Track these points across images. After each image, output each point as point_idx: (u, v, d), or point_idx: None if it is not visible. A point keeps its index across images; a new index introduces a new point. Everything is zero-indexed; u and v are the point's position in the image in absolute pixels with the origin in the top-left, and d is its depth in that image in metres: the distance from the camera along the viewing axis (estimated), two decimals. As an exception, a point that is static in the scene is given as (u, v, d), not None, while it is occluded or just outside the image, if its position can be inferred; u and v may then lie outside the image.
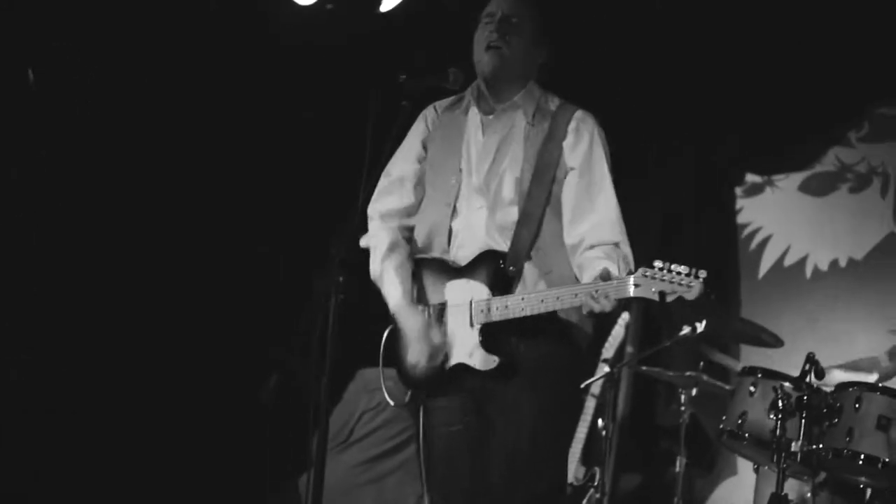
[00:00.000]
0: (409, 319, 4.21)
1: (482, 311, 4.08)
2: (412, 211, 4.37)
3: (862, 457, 5.01)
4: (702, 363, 6.37)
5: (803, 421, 5.10)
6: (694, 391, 6.29)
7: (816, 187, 7.33)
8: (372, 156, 3.94)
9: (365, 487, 5.71)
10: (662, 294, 3.73)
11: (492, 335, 4.09)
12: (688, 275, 3.73)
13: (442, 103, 4.41)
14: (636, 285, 3.77)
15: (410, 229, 4.38)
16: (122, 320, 6.51)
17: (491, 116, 4.28)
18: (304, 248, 6.04)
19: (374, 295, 4.26)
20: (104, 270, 6.48)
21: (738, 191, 7.51)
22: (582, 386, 6.08)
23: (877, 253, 7.13)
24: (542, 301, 3.98)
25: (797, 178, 7.37)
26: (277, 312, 6.01)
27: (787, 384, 5.17)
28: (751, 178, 7.49)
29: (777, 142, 7.33)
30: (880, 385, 5.23)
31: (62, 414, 6.31)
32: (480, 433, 4.14)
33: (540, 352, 4.12)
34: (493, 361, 4.07)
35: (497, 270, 4.11)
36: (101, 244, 6.46)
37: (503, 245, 4.15)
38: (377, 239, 4.36)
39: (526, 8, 4.24)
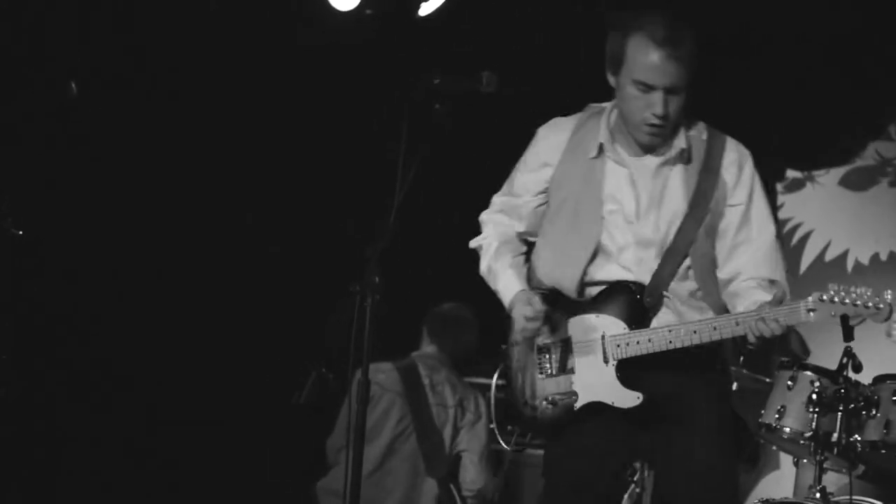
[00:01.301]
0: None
1: (618, 345, 3.85)
2: (531, 234, 4.17)
3: (900, 449, 5.05)
4: (741, 357, 6.38)
5: (840, 414, 5.14)
6: (735, 385, 6.30)
7: (856, 181, 7.34)
8: (406, 159, 3.97)
9: (379, 484, 5.75)
10: (845, 318, 3.61)
11: (631, 370, 3.85)
12: (875, 296, 3.61)
13: (566, 127, 4.11)
14: (811, 310, 3.63)
15: (528, 244, 4.21)
16: (150, 320, 6.60)
17: (632, 156, 3.98)
18: (336, 249, 6.14)
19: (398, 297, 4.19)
20: (133, 270, 6.57)
21: (780, 186, 7.52)
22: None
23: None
24: (696, 332, 3.76)
25: (837, 172, 7.38)
26: (311, 315, 6.06)
27: (824, 378, 5.20)
28: (791, 173, 7.50)
29: (817, 137, 7.35)
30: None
31: (90, 413, 6.40)
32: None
33: (695, 384, 3.93)
34: (635, 398, 3.83)
35: (633, 302, 3.88)
36: (123, 243, 6.55)
37: (643, 277, 3.90)
38: (490, 238, 4.18)
39: (687, 72, 3.83)
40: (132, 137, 6.61)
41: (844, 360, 5.16)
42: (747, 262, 3.91)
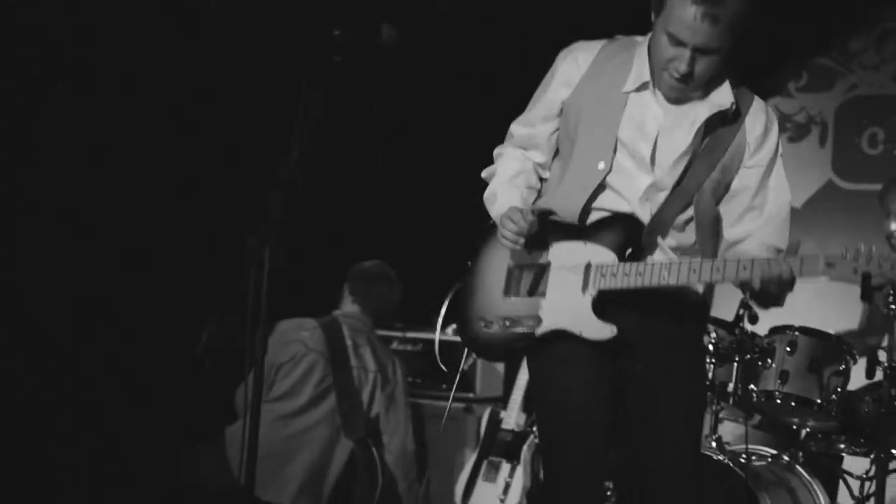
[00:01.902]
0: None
1: (603, 275, 3.64)
2: (545, 169, 3.97)
3: (795, 399, 5.14)
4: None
5: (737, 364, 5.23)
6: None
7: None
8: (306, 111, 3.94)
9: (293, 440, 5.75)
10: (867, 276, 3.39)
11: (609, 303, 3.66)
12: None
13: (590, 52, 3.86)
14: (829, 264, 3.41)
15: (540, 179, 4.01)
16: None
17: (669, 101, 3.75)
18: (236, 206, 6.10)
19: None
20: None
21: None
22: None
23: (816, 201, 7.26)
24: (695, 271, 3.55)
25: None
26: (210, 271, 6.04)
27: (721, 329, 5.28)
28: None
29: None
30: (813, 328, 5.32)
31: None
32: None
33: (677, 329, 3.77)
34: (609, 331, 3.62)
35: (630, 236, 3.68)
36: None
37: (644, 215, 3.71)
38: (505, 166, 3.97)
39: (726, 34, 3.58)
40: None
41: (741, 311, 5.24)
42: (759, 228, 3.77)
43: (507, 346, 3.82)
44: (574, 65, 3.86)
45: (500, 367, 6.89)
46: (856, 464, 5.41)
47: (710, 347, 5.17)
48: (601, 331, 3.63)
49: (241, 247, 3.78)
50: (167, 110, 6.68)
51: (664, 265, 3.58)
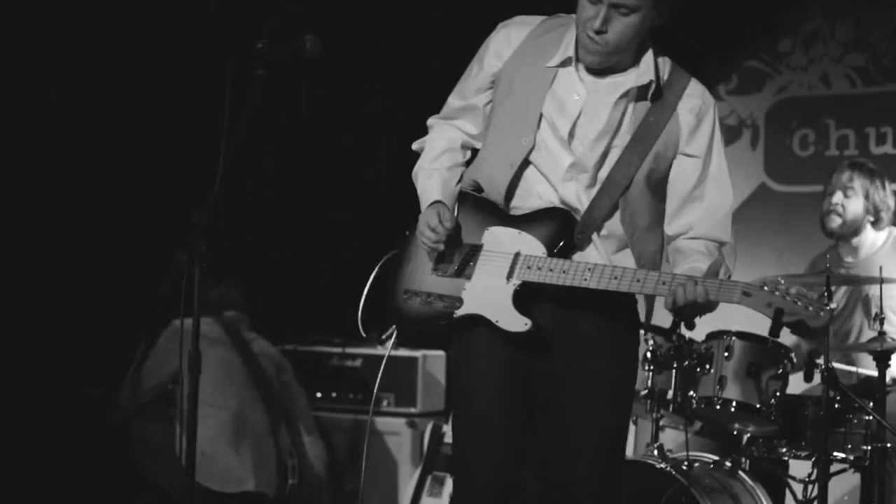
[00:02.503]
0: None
1: (529, 266, 3.58)
2: (477, 140, 3.88)
3: (734, 404, 5.12)
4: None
5: (675, 371, 5.21)
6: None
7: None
8: (229, 125, 3.87)
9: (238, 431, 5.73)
10: (780, 312, 3.34)
11: (529, 296, 3.59)
12: (817, 300, 3.35)
13: (525, 25, 3.79)
14: (746, 293, 3.36)
15: (469, 153, 3.93)
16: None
17: (593, 77, 3.67)
18: (163, 218, 6.02)
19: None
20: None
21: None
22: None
23: (750, 204, 7.27)
24: (616, 279, 3.48)
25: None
26: (137, 281, 5.95)
27: (658, 336, 5.25)
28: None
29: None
30: (749, 333, 5.31)
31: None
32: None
33: (599, 333, 3.66)
34: (523, 324, 3.56)
35: (563, 233, 3.61)
36: None
37: (569, 197, 3.64)
38: (434, 140, 3.91)
39: None
40: None
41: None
42: (700, 220, 3.67)
43: (426, 322, 3.73)
44: (506, 39, 3.79)
45: (441, 380, 6.85)
46: (799, 467, 5.40)
47: (648, 355, 5.14)
48: (515, 323, 3.57)
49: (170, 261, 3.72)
50: (100, 126, 6.62)
51: (588, 267, 3.51)
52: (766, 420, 5.17)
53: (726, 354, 5.16)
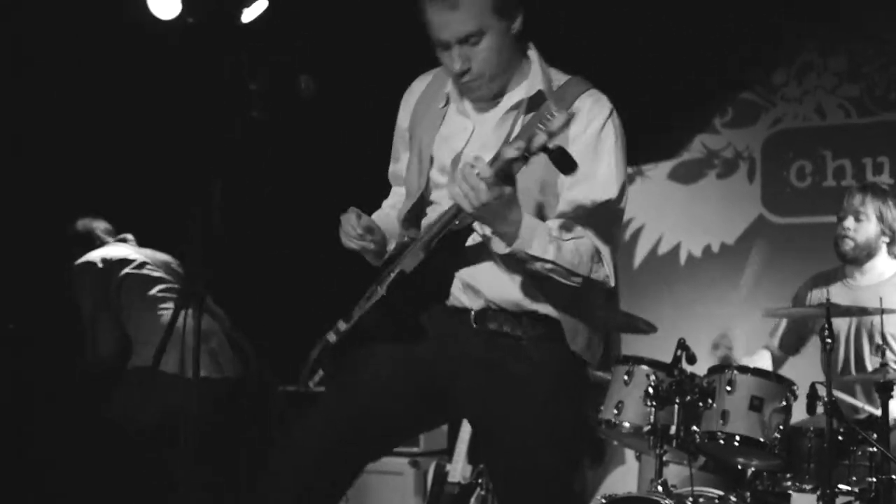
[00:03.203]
0: None
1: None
2: None
3: (737, 438, 5.08)
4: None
5: (678, 406, 5.17)
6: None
7: (685, 175, 7.43)
8: (223, 169, 3.88)
9: None
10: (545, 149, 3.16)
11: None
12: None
13: (425, 78, 3.80)
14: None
15: None
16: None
17: (483, 105, 3.62)
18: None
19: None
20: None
21: (610, 182, 7.58)
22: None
23: (748, 236, 7.26)
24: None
25: (666, 166, 7.47)
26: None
27: (660, 371, 5.22)
28: (621, 169, 7.56)
29: (644, 131, 7.39)
30: (751, 367, 5.30)
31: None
32: None
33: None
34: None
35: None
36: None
37: None
38: (382, 208, 3.91)
39: (475, 16, 3.45)
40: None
41: (678, 352, 5.21)
42: (582, 193, 3.47)
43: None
44: (409, 94, 3.81)
45: (443, 420, 6.84)
46: (804, 501, 5.36)
47: (650, 390, 5.11)
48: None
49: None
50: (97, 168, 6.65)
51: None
52: (769, 454, 5.13)
53: (728, 388, 5.12)
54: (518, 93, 3.58)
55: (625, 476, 7.06)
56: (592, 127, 3.47)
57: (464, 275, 3.55)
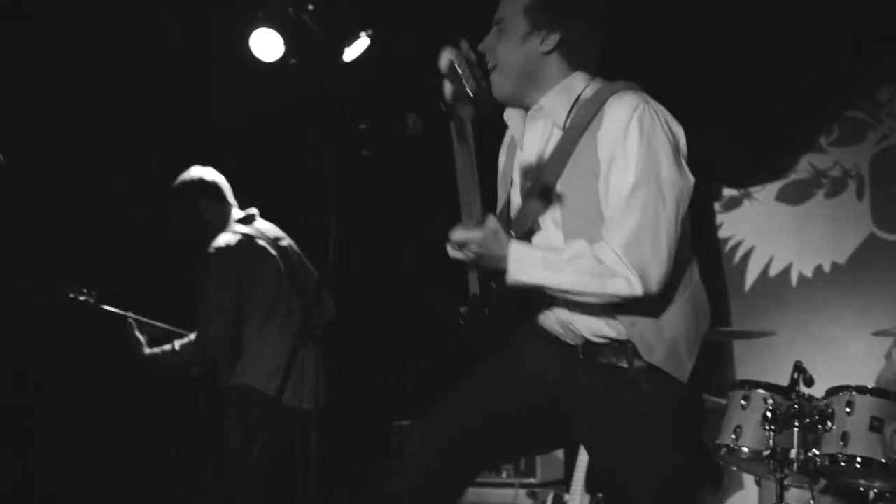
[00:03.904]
0: None
1: None
2: None
3: (858, 460, 5.01)
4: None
5: (797, 430, 5.12)
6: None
7: (793, 195, 7.36)
8: (337, 208, 3.93)
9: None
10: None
11: None
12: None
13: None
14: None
15: None
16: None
17: (528, 127, 3.65)
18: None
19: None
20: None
21: (717, 206, 7.55)
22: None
23: (860, 255, 7.16)
24: None
25: (773, 187, 7.41)
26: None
27: (777, 395, 5.17)
28: (728, 192, 7.53)
29: (751, 154, 7.37)
30: (870, 387, 5.22)
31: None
32: None
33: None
34: None
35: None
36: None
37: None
38: None
39: (512, 5, 3.58)
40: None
41: (795, 374, 5.16)
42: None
43: None
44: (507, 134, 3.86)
45: (560, 450, 6.82)
46: (929, 522, 5.28)
47: (769, 414, 5.06)
48: None
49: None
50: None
51: None
52: (892, 475, 5.05)
53: (848, 410, 5.06)
54: (546, 117, 3.58)
55: (743, 501, 6.99)
56: (615, 130, 3.40)
57: (553, 306, 3.55)
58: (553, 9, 3.53)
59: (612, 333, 3.47)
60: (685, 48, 6.95)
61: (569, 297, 3.40)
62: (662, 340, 3.44)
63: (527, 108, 3.61)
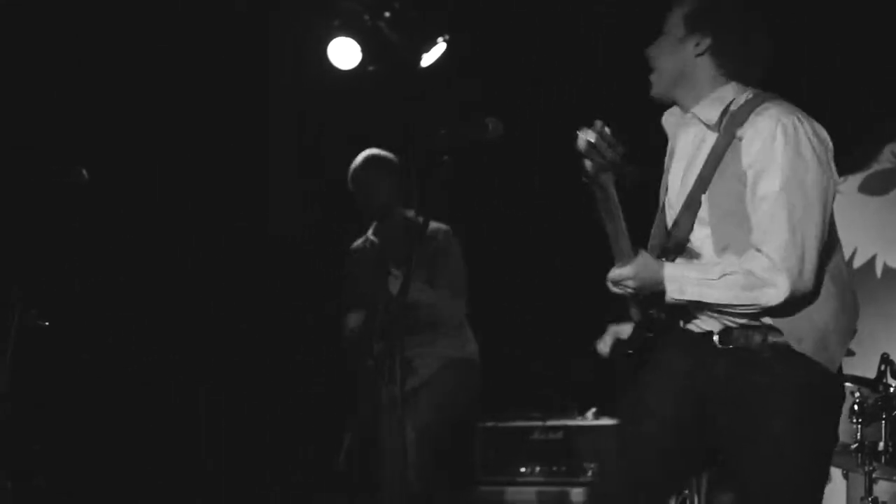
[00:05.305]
0: None
1: None
2: None
3: (946, 451, 4.99)
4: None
5: (884, 422, 5.09)
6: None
7: (876, 186, 7.31)
8: (423, 213, 3.97)
9: None
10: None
11: None
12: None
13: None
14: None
15: None
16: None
17: (680, 132, 3.83)
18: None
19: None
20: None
21: (800, 200, 7.50)
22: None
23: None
24: None
25: (856, 179, 7.35)
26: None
27: (864, 387, 5.15)
28: (810, 185, 7.47)
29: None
30: (957, 377, 5.19)
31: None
32: None
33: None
34: None
35: None
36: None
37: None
38: None
39: (674, 17, 3.77)
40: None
41: (882, 367, 5.14)
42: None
43: None
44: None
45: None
46: None
47: (856, 407, 5.05)
48: None
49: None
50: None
51: None
52: (981, 465, 5.03)
53: (936, 400, 5.04)
54: (699, 123, 3.73)
55: (831, 495, 6.89)
56: (759, 140, 3.52)
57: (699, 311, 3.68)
58: (708, 15, 3.70)
59: (764, 321, 3.57)
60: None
61: (725, 310, 3.56)
62: (813, 331, 3.54)
63: (685, 110, 3.78)
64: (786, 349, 3.54)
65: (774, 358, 3.55)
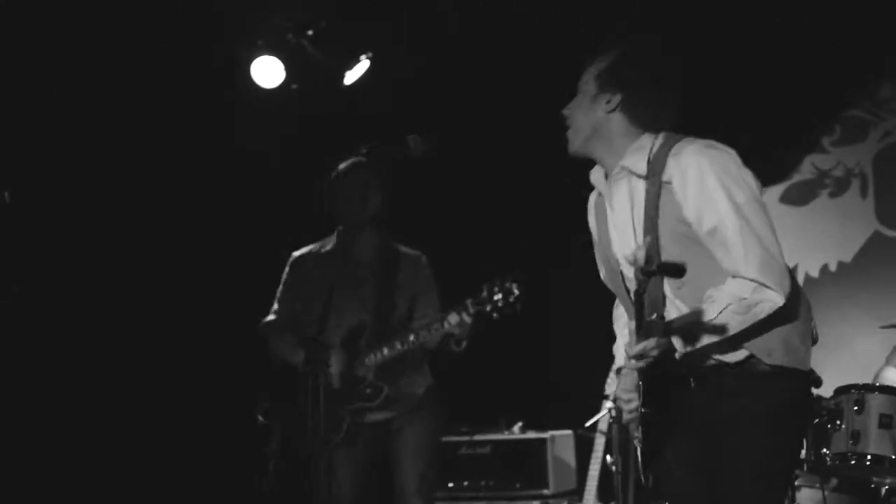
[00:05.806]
0: None
1: None
2: None
3: (869, 457, 5.04)
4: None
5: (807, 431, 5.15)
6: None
7: (797, 196, 7.41)
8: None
9: None
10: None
11: None
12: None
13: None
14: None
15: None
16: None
17: (612, 188, 3.88)
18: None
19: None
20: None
21: (722, 210, 7.57)
22: (587, 424, 6.16)
23: (865, 253, 7.21)
24: None
25: (777, 189, 7.45)
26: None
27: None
28: (732, 196, 7.54)
29: (753, 156, 7.37)
30: (877, 385, 5.26)
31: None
32: None
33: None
34: None
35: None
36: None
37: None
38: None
39: (587, 70, 3.91)
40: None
41: (803, 376, 5.17)
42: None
43: None
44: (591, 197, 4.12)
45: (571, 460, 6.85)
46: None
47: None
48: None
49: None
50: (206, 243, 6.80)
51: None
52: (903, 471, 5.09)
53: (856, 408, 5.09)
54: (627, 175, 3.80)
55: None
56: (688, 184, 3.63)
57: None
58: (618, 74, 3.81)
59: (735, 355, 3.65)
60: (685, 51, 6.97)
61: (736, 340, 3.59)
62: (778, 338, 3.64)
63: (603, 165, 3.87)
64: (752, 369, 3.64)
65: (741, 384, 3.64)
